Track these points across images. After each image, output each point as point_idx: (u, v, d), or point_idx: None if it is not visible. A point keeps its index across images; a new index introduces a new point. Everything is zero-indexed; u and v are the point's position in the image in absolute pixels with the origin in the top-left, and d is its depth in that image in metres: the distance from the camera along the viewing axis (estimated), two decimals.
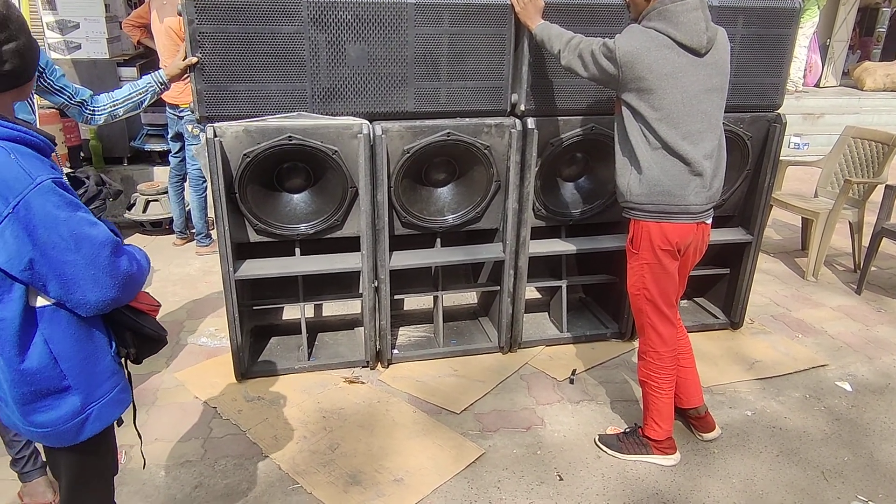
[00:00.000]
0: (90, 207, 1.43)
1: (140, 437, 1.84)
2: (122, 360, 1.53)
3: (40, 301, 1.35)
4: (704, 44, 2.16)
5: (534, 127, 2.82)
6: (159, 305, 1.58)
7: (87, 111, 2.41)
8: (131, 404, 1.66)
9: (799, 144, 7.29)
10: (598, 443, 2.65)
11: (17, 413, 1.43)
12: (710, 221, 2.39)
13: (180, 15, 2.48)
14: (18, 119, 1.46)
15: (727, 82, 2.30)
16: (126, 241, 1.56)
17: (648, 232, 2.31)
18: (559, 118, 2.89)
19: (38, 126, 1.56)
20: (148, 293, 1.58)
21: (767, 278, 4.26)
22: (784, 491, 2.44)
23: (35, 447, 2.31)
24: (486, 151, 2.85)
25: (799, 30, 7.92)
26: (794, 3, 2.93)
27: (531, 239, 3.09)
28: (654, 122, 2.19)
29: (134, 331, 1.49)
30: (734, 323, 3.55)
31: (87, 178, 1.54)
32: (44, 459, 2.34)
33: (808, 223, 4.55)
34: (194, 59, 2.52)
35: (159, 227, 4.94)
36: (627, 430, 2.65)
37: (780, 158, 3.26)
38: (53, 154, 1.47)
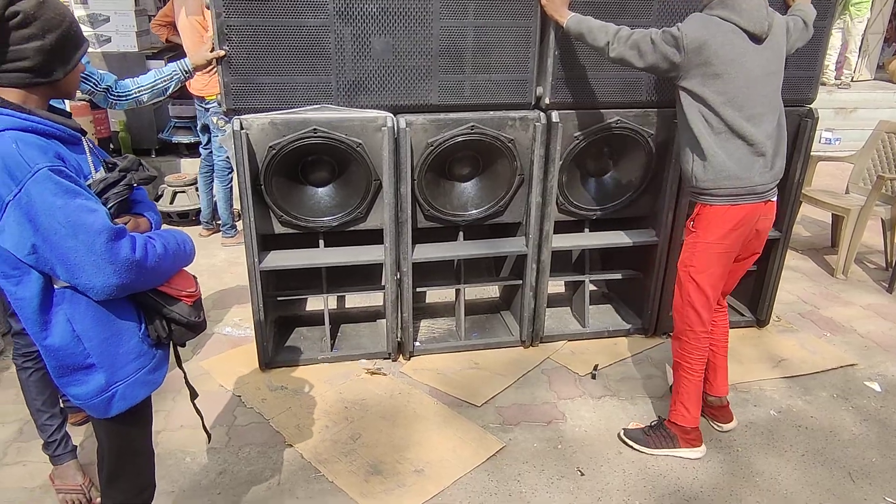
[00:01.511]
0: (110, 192, 1.45)
1: (200, 414, 1.91)
2: (158, 341, 1.57)
3: (61, 282, 1.41)
4: (766, 29, 2.23)
5: (558, 120, 2.81)
6: (195, 293, 1.59)
7: (112, 97, 2.45)
8: (187, 385, 1.79)
9: (830, 139, 7.13)
10: (622, 437, 2.63)
11: (56, 383, 1.52)
12: (775, 199, 2.43)
13: (208, 8, 2.51)
14: (52, 108, 1.50)
15: (783, 65, 2.35)
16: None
17: (716, 215, 2.34)
18: (584, 111, 2.86)
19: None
20: (191, 279, 1.60)
21: (795, 276, 4.18)
22: (809, 491, 2.40)
23: (66, 432, 2.37)
24: (510, 145, 2.85)
25: (859, 24, 7.72)
26: None
27: (554, 233, 3.07)
28: (719, 106, 2.24)
29: (164, 315, 1.53)
30: (760, 320, 3.49)
31: (117, 163, 1.57)
32: (74, 444, 2.41)
33: (838, 220, 4.45)
34: (221, 52, 2.54)
35: (186, 218, 5.01)
36: (653, 423, 2.64)
37: (811, 153, 3.20)
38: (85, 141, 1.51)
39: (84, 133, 1.52)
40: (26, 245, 1.33)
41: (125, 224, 1.46)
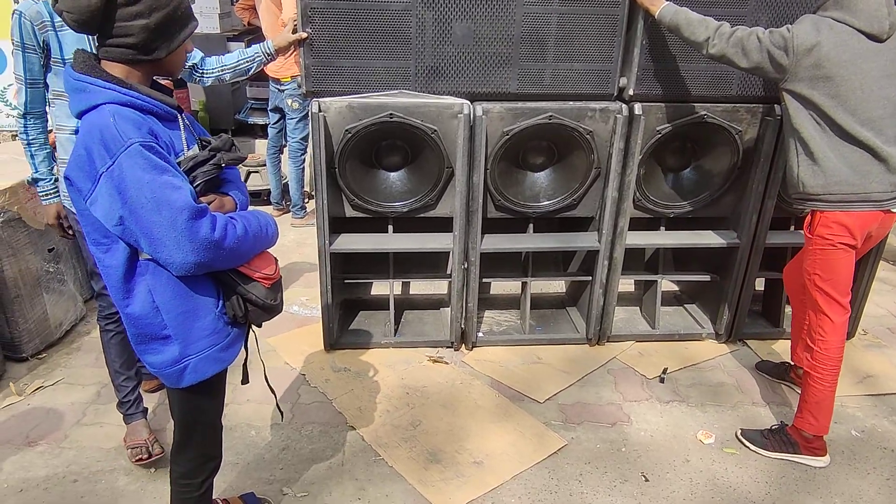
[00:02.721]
0: (198, 171, 1.47)
1: (274, 393, 1.95)
2: (234, 320, 1.58)
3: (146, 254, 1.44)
4: (886, 29, 2.09)
5: (641, 113, 2.70)
6: (273, 276, 1.59)
7: (197, 74, 2.52)
8: (261, 363, 1.85)
9: None
10: (739, 437, 2.58)
11: (135, 350, 1.57)
12: None
13: None
14: (155, 85, 1.53)
15: None
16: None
17: (826, 220, 2.25)
18: (669, 105, 2.74)
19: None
20: (272, 262, 1.61)
21: (886, 288, 3.93)
22: None
23: (139, 394, 2.49)
24: (588, 137, 2.76)
25: None
26: None
27: (628, 230, 2.97)
28: (830, 109, 2.13)
29: (241, 295, 1.54)
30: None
31: (210, 141, 1.59)
32: (145, 406, 2.51)
33: None
34: (304, 35, 2.56)
35: (258, 198, 5.12)
36: (773, 427, 2.57)
37: None
38: (181, 118, 1.53)
39: (181, 110, 1.55)
40: (114, 216, 1.37)
41: (210, 203, 1.48)
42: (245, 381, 1.85)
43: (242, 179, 4.97)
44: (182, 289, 1.48)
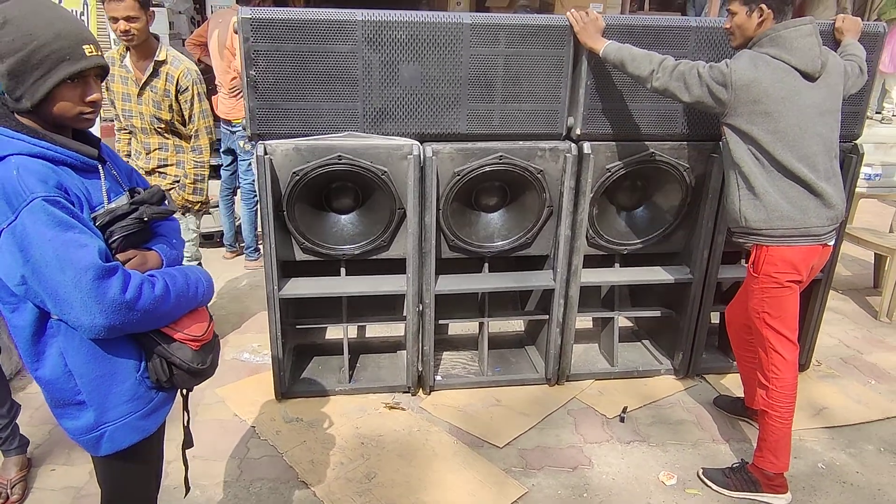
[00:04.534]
0: (116, 225, 1.37)
1: (186, 465, 1.79)
2: (158, 384, 1.47)
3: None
4: (818, 68, 2.17)
5: (590, 152, 2.71)
6: (203, 337, 1.47)
7: None
8: (184, 428, 1.69)
9: (870, 175, 6.88)
10: (701, 476, 2.54)
11: (52, 412, 1.46)
12: (832, 243, 2.35)
13: (236, 33, 2.49)
14: (79, 134, 1.44)
15: (840, 105, 2.28)
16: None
17: (772, 257, 2.27)
18: (618, 143, 2.76)
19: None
20: (203, 322, 1.49)
21: (836, 317, 3.99)
22: None
23: (14, 430, 2.43)
24: (539, 176, 2.76)
25: None
26: (878, 28, 2.74)
27: (583, 267, 2.96)
28: (769, 145, 2.18)
29: (163, 357, 1.44)
30: (799, 365, 3.30)
31: (136, 193, 1.50)
32: (26, 439, 2.49)
33: (881, 260, 4.26)
34: None
35: (210, 239, 4.99)
36: (734, 465, 2.54)
37: (855, 190, 3.05)
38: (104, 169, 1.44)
39: (104, 161, 1.46)
40: (16, 275, 1.27)
41: (128, 259, 1.39)
42: (188, 444, 1.74)
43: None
44: (97, 351, 1.37)
